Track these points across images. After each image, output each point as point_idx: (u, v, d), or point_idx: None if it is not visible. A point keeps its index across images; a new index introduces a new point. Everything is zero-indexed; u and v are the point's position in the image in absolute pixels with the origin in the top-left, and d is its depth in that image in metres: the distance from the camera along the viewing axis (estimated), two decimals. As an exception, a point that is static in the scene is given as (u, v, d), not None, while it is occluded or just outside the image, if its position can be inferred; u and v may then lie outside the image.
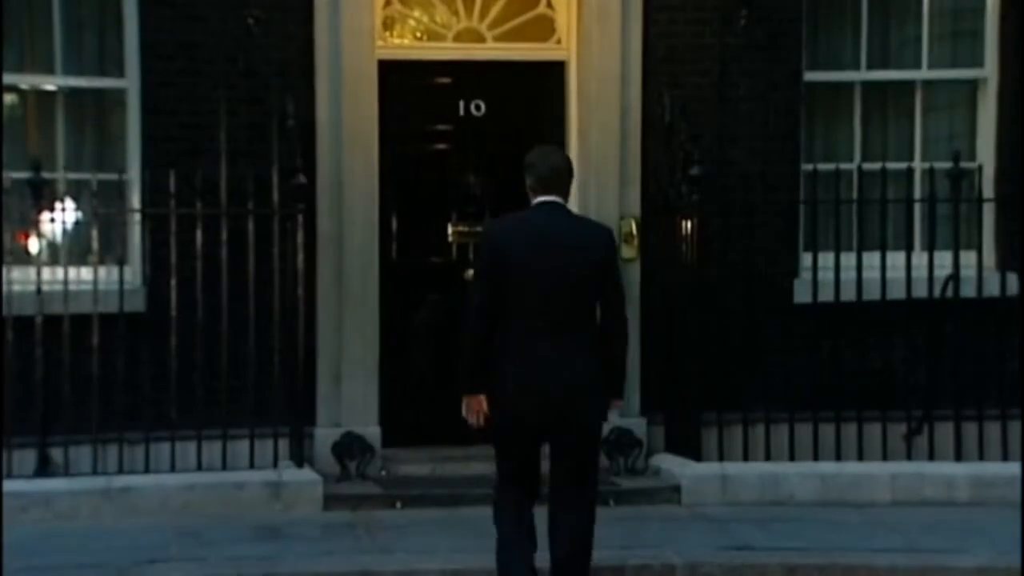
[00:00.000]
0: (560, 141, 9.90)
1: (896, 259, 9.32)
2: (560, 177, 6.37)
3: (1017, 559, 7.33)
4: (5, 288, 8.50)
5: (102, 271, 8.68)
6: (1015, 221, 9.65)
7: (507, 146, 9.52)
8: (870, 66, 10.00)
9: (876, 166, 9.58)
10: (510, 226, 6.41)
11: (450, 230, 9.84)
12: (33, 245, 8.80)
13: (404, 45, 10.17)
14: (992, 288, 9.50)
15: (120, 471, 8.60)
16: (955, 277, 9.34)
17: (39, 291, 8.55)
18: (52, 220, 8.81)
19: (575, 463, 6.28)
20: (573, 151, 9.82)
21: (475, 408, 6.29)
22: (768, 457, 9.18)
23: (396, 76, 9.69)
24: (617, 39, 9.57)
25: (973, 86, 10.08)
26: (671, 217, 9.41)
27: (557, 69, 9.92)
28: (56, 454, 8.62)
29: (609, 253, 6.40)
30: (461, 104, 9.84)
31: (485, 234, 6.71)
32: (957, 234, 9.34)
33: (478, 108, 9.85)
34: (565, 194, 6.42)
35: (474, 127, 9.93)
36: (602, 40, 9.58)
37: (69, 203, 9.00)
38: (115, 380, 8.61)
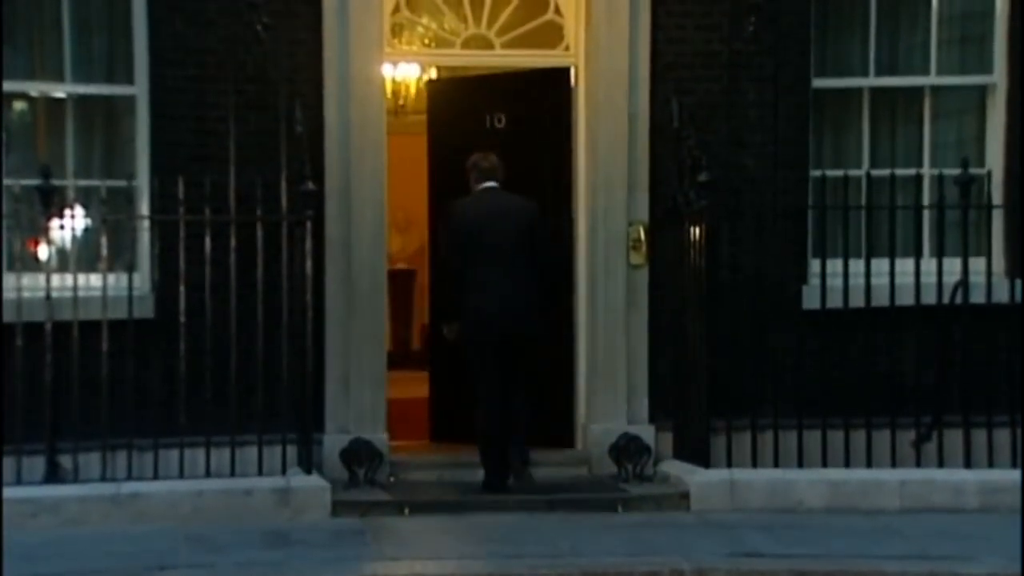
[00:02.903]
0: (567, 146, 9.92)
1: (905, 265, 9.30)
2: (496, 170, 9.16)
3: (1026, 566, 7.33)
4: (15, 295, 8.51)
5: (111, 277, 8.70)
6: (1020, 227, 9.63)
7: (517, 151, 9.67)
8: (879, 72, 9.99)
9: (885, 172, 9.57)
10: (468, 203, 9.12)
11: None
12: (43, 252, 8.82)
13: (413, 51, 10.21)
14: (1001, 294, 9.48)
15: (129, 477, 8.60)
16: (964, 283, 9.33)
17: (48, 297, 8.57)
18: (61, 227, 8.82)
19: (518, 361, 8.97)
20: (581, 157, 9.85)
21: (453, 328, 9.06)
22: (777, 463, 9.16)
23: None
24: (625, 45, 9.57)
25: (982, 92, 10.07)
26: (679, 223, 9.41)
27: (565, 75, 9.93)
28: (65, 460, 8.62)
29: (534, 216, 9.03)
30: (487, 118, 10.12)
31: (450, 210, 9.12)
32: (966, 240, 9.32)
33: (499, 120, 10.07)
34: (499, 181, 9.12)
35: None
36: (610, 46, 9.59)
37: (78, 210, 9.01)
38: (124, 386, 8.63)
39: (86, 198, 9.09)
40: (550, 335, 9.23)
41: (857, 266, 9.26)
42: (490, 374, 8.92)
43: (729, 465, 9.07)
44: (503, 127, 10.15)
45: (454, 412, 10.03)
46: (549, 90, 10.01)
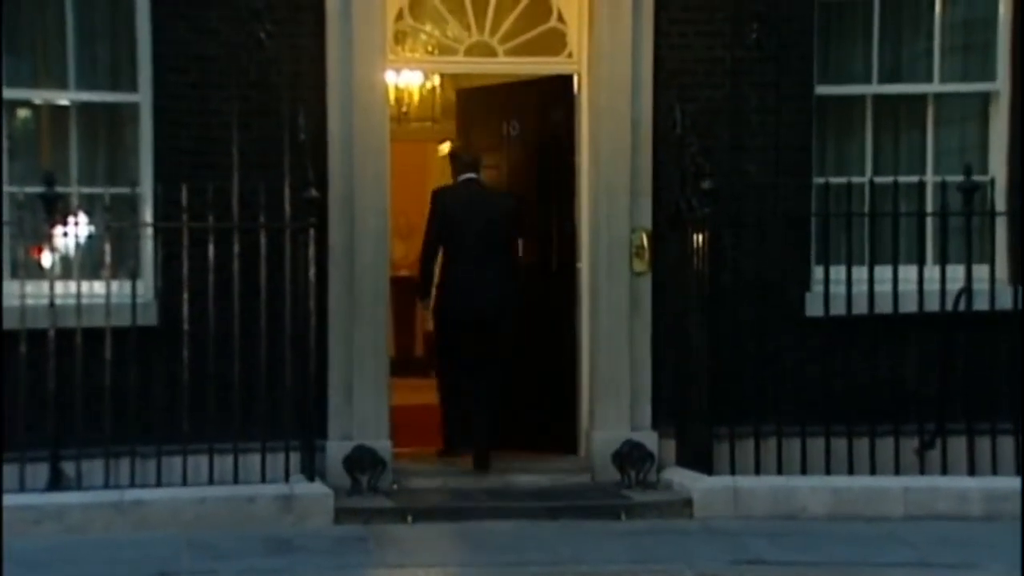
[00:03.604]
0: (571, 152, 9.93)
1: (908, 272, 9.30)
2: (477, 162, 9.87)
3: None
4: (19, 302, 8.52)
5: (115, 285, 8.70)
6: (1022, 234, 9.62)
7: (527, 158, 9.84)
8: (882, 79, 9.99)
9: (888, 179, 9.57)
10: (449, 191, 9.84)
11: None
12: (46, 259, 8.83)
13: (416, 59, 10.23)
14: (1005, 301, 9.48)
15: (132, 484, 8.61)
16: (968, 290, 9.32)
17: (52, 305, 8.57)
18: (65, 234, 8.84)
19: (489, 348, 9.53)
20: (584, 163, 9.85)
21: (427, 304, 9.87)
22: (780, 471, 9.15)
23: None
24: (628, 52, 9.57)
25: (985, 99, 10.07)
26: (682, 230, 9.41)
27: (568, 82, 9.94)
28: (68, 467, 8.62)
29: (510, 206, 9.74)
30: (504, 125, 10.36)
31: (434, 197, 9.75)
32: (969, 247, 9.32)
33: (515, 128, 10.26)
34: (479, 173, 9.83)
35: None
36: (613, 53, 9.59)
37: (82, 217, 9.03)
38: (127, 393, 8.63)
39: (90, 205, 9.10)
40: (520, 328, 9.72)
41: (860, 273, 9.26)
42: (453, 353, 9.65)
43: (732, 472, 9.06)
44: (517, 135, 10.23)
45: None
46: (553, 97, 10.03)
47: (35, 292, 8.62)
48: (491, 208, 9.64)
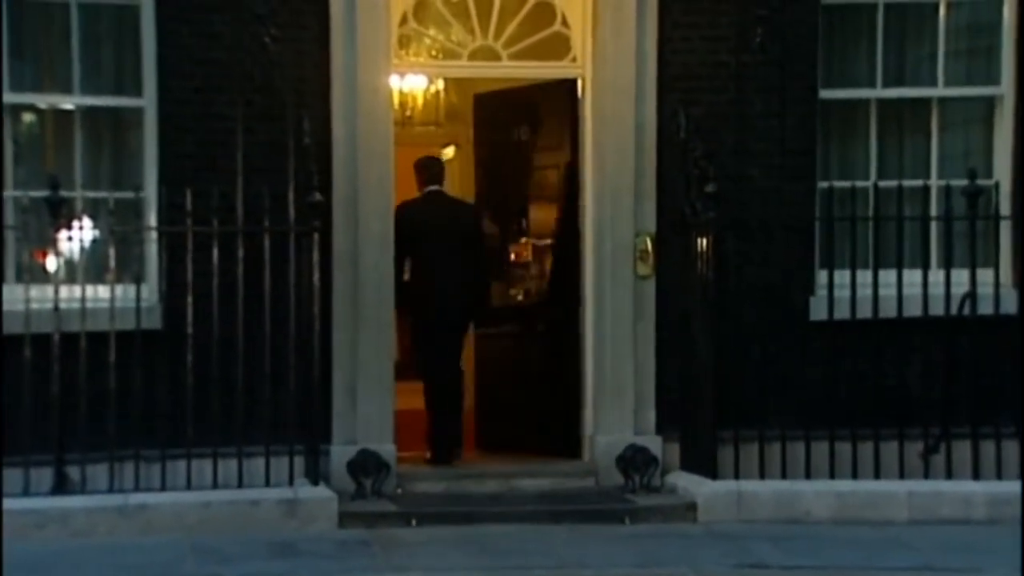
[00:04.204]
0: (574, 157, 9.93)
1: (913, 277, 9.29)
2: (441, 174, 10.26)
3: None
4: (23, 306, 8.53)
5: (119, 289, 8.71)
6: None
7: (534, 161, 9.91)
8: (886, 84, 9.98)
9: (892, 183, 9.56)
10: (414, 204, 10.08)
11: None
12: (51, 263, 8.84)
13: (420, 63, 10.23)
14: (1009, 306, 9.47)
15: (136, 488, 8.61)
16: (972, 295, 9.31)
17: (56, 308, 8.58)
18: (70, 238, 8.84)
19: (450, 345, 10.05)
20: (588, 167, 9.85)
21: (401, 311, 9.86)
22: (784, 475, 9.14)
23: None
24: (632, 56, 9.57)
25: (989, 103, 10.06)
26: (686, 234, 9.40)
27: (572, 86, 9.94)
28: (73, 471, 8.63)
29: (471, 219, 10.15)
30: (515, 130, 10.41)
31: (399, 210, 9.70)
32: (974, 252, 9.30)
33: (524, 133, 10.29)
34: (442, 184, 10.20)
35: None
36: (617, 57, 9.59)
37: (86, 221, 9.04)
38: (131, 397, 8.63)
39: (94, 209, 9.11)
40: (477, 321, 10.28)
41: (864, 277, 9.25)
42: (434, 361, 9.98)
43: (736, 476, 9.05)
44: (526, 139, 10.26)
45: (490, 421, 10.32)
46: (557, 101, 10.04)
47: (39, 296, 8.63)
48: (454, 219, 9.97)
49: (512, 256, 10.47)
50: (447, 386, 9.95)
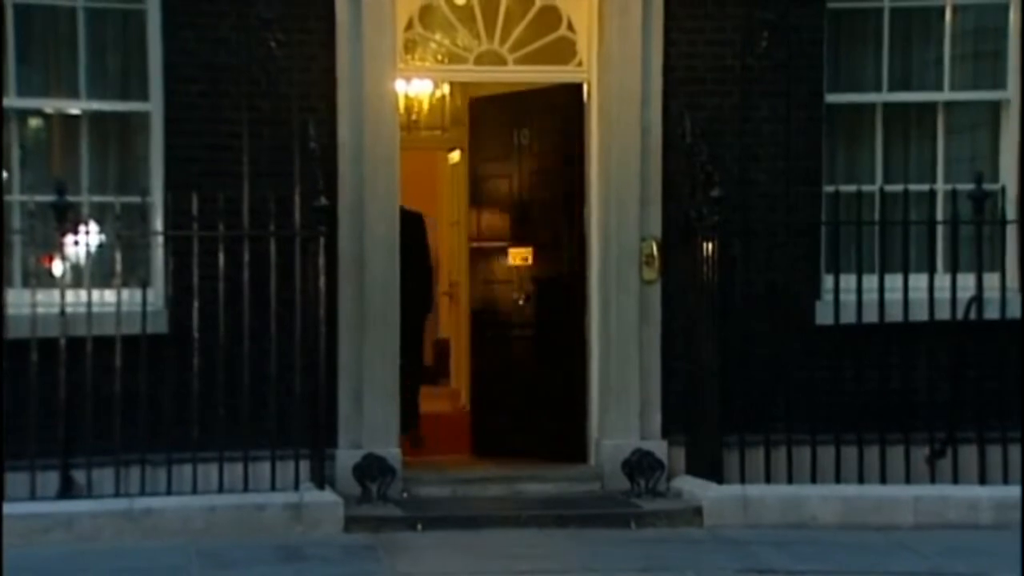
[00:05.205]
0: (580, 161, 9.94)
1: (919, 281, 9.29)
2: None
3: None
4: (30, 310, 8.55)
5: (125, 293, 8.72)
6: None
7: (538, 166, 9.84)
8: (892, 87, 9.98)
9: (898, 188, 9.57)
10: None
11: None
12: (57, 267, 8.85)
13: (426, 67, 10.24)
14: (1015, 310, 9.46)
15: (142, 493, 8.62)
16: (978, 299, 9.31)
17: (63, 313, 8.60)
18: (76, 243, 8.86)
19: (416, 342, 11.04)
20: (594, 172, 9.85)
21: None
22: (790, 479, 9.15)
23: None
24: (638, 60, 9.58)
25: (995, 107, 10.05)
26: (692, 238, 9.41)
27: (578, 91, 9.95)
28: (79, 475, 8.65)
29: (422, 226, 11.35)
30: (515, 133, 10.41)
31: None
32: (980, 256, 9.31)
33: (525, 136, 10.24)
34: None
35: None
36: (623, 61, 9.60)
37: (93, 226, 9.05)
38: (137, 402, 8.65)
39: (100, 214, 9.13)
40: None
41: (870, 281, 9.25)
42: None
43: (742, 481, 9.05)
44: (527, 143, 10.25)
45: (495, 426, 10.30)
46: (563, 105, 10.05)
47: (46, 300, 8.65)
48: (413, 227, 10.71)
49: (518, 260, 10.48)
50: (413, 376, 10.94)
